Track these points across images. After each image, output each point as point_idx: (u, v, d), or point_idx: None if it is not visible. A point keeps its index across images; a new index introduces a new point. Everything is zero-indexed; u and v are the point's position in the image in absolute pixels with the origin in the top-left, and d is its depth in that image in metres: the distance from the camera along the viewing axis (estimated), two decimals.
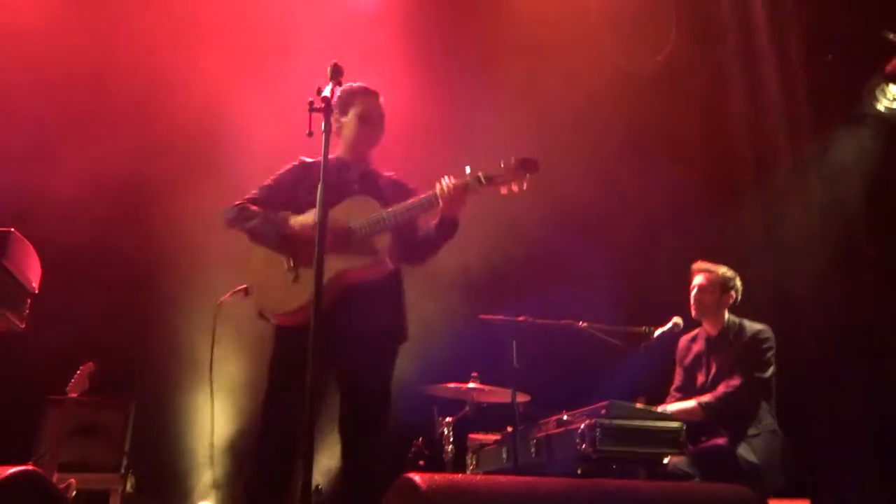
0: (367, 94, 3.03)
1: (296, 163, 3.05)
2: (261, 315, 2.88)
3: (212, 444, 4.67)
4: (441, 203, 2.74)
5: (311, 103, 2.39)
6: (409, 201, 2.80)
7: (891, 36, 3.63)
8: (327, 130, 2.38)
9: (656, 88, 5.42)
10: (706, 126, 4.94)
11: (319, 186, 2.31)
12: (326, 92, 2.40)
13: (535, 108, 5.26)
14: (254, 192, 2.98)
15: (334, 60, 2.50)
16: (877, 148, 3.76)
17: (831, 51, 4.03)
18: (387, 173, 3.08)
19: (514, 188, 2.69)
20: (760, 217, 4.19)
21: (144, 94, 5.17)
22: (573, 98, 5.23)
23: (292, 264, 2.80)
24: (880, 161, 3.73)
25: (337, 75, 2.48)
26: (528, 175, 2.68)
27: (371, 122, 3.01)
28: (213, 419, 4.24)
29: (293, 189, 2.94)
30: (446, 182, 2.74)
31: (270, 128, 4.65)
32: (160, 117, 5.13)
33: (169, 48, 5.16)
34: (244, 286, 2.97)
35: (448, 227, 2.83)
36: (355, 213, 2.80)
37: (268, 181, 3.01)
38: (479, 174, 2.73)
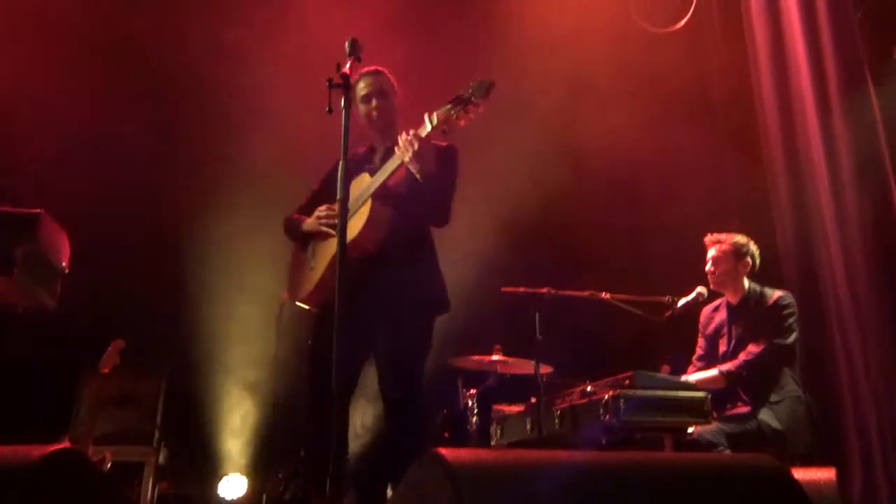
0: (361, 76, 3.02)
1: (333, 164, 3.10)
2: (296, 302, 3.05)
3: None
4: (407, 161, 2.69)
5: (331, 80, 2.40)
6: (384, 167, 2.82)
7: None
8: (347, 107, 2.39)
9: (677, 48, 5.32)
10: (731, 86, 4.85)
11: (340, 163, 2.35)
12: (346, 68, 2.40)
13: (556, 72, 5.20)
14: (305, 198, 3.17)
15: (352, 36, 2.49)
16: None
17: (860, 7, 3.92)
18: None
19: (472, 116, 2.60)
20: (787, 180, 4.11)
21: (176, 69, 5.16)
22: (591, 61, 5.16)
23: (312, 254, 2.99)
24: None
25: (355, 51, 2.48)
26: (482, 99, 2.57)
27: (364, 101, 3.00)
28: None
29: (331, 187, 3.00)
30: (403, 138, 2.72)
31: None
32: (191, 92, 5.14)
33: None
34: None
35: (426, 184, 2.72)
36: (354, 192, 2.87)
37: (315, 185, 3.17)
38: (428, 116, 2.68)
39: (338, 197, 2.33)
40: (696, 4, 5.06)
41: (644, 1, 5.31)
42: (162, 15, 5.20)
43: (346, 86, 2.39)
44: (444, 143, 2.92)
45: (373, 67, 3.03)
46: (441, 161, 2.82)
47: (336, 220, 2.82)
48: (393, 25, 4.97)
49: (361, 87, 3.00)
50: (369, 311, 2.76)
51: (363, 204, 2.77)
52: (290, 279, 3.11)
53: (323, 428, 2.75)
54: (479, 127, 2.74)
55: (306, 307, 3.03)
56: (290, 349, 4.66)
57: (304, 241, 3.06)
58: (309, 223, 3.00)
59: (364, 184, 2.86)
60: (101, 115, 4.99)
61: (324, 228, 2.91)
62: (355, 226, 2.75)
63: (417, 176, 2.71)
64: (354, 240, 2.72)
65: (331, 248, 2.85)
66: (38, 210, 2.89)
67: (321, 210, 2.95)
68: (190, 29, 5.10)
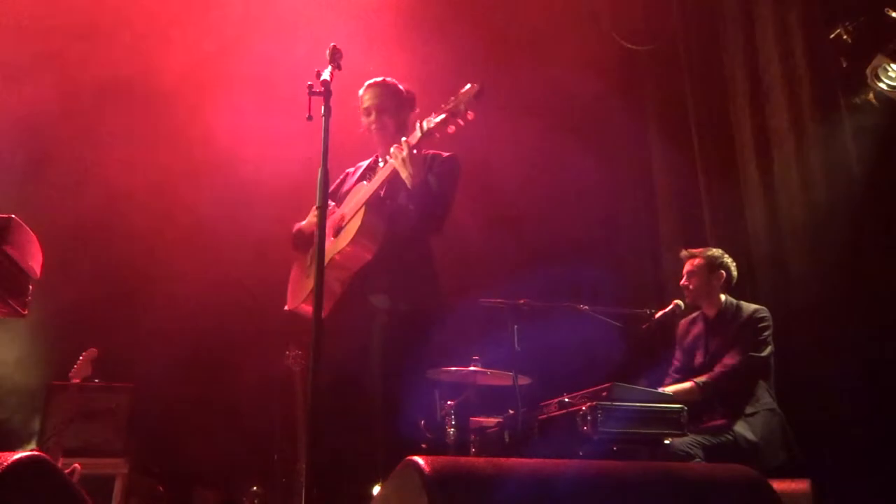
0: (366, 87, 3.04)
1: (341, 176, 3.18)
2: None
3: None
4: (397, 166, 2.71)
5: (311, 87, 2.38)
6: (377, 176, 2.83)
7: (893, 14, 3.60)
8: (327, 115, 2.37)
9: (654, 65, 5.39)
10: (706, 104, 4.93)
11: (320, 171, 2.33)
12: (326, 75, 2.39)
13: (533, 85, 5.23)
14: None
15: (333, 43, 2.49)
16: (879, 126, 3.75)
17: (832, 29, 4.00)
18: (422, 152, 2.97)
19: (462, 123, 2.61)
20: (762, 198, 4.17)
21: (152, 80, 5.13)
22: (571, 77, 5.20)
23: (310, 262, 2.96)
24: (882, 139, 3.71)
25: (336, 58, 2.47)
26: (472, 105, 2.58)
27: (365, 114, 3.03)
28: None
29: (339, 198, 3.06)
30: (394, 148, 2.74)
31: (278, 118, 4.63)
32: (163, 107, 5.11)
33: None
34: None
35: (416, 192, 2.73)
36: (351, 201, 2.89)
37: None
38: (419, 123, 2.69)
39: (317, 204, 2.30)
40: (672, 23, 5.14)
41: (620, 18, 5.39)
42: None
43: (327, 93, 2.38)
44: (446, 154, 2.93)
45: (378, 79, 3.03)
46: (439, 170, 2.83)
47: (342, 226, 2.85)
48: (381, 35, 5.00)
49: (364, 99, 3.02)
50: (365, 317, 2.77)
51: (357, 211, 2.77)
52: (289, 290, 3.09)
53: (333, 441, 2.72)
54: (464, 136, 2.74)
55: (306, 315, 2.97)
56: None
57: (305, 248, 3.04)
58: (304, 224, 3.02)
59: (361, 192, 2.87)
60: (76, 122, 4.94)
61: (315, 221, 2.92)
62: (349, 232, 2.75)
63: (407, 182, 2.71)
64: (348, 246, 2.72)
65: (327, 251, 2.81)
66: (9, 215, 2.83)
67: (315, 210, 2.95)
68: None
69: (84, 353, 4.20)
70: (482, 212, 5.12)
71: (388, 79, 3.06)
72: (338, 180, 3.18)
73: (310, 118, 2.66)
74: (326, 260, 2.75)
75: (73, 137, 4.98)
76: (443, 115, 2.63)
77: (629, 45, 5.27)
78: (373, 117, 2.99)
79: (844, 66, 3.91)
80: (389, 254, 2.75)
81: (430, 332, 2.80)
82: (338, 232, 2.85)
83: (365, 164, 3.13)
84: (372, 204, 2.76)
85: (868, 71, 3.69)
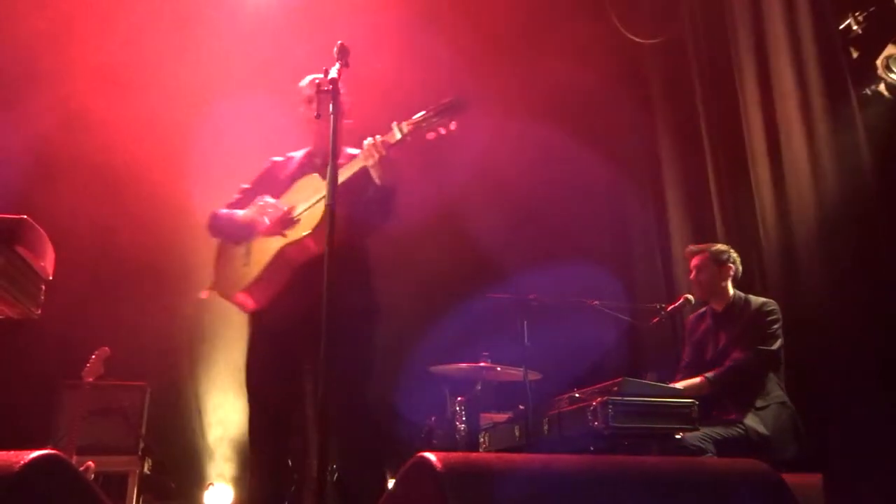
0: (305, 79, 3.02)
1: (268, 164, 3.14)
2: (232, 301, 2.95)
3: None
4: (370, 165, 2.67)
5: (319, 85, 2.39)
6: (344, 168, 2.77)
7: None
8: (336, 112, 2.37)
9: (661, 58, 5.36)
10: (715, 98, 4.90)
11: (329, 166, 2.32)
12: (333, 73, 2.39)
13: (540, 81, 5.23)
14: (235, 195, 3.09)
15: (340, 41, 2.49)
16: (890, 117, 3.72)
17: (842, 19, 3.97)
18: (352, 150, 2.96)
19: (442, 131, 2.59)
20: (772, 191, 4.15)
21: (149, 78, 5.15)
22: (577, 72, 5.19)
23: (246, 251, 2.90)
24: (894, 130, 3.69)
25: (343, 56, 2.47)
26: (455, 115, 2.57)
27: (306, 101, 2.96)
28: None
29: (267, 187, 2.99)
30: (368, 142, 2.70)
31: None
32: (164, 103, 5.13)
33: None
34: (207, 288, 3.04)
35: (382, 192, 2.71)
36: (302, 192, 2.84)
37: (246, 184, 3.10)
38: (397, 125, 2.67)
39: (326, 202, 2.30)
40: (679, 16, 5.11)
41: (628, 11, 5.36)
42: None
43: (335, 91, 2.38)
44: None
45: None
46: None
47: (291, 217, 2.78)
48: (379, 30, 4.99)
49: (305, 89, 2.98)
50: (313, 316, 2.73)
51: (317, 203, 2.72)
52: (216, 274, 3.01)
53: (277, 454, 2.77)
54: (471, 134, 2.74)
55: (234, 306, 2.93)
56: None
57: (231, 236, 2.97)
58: (248, 215, 2.88)
59: (315, 184, 2.81)
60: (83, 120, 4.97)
61: (266, 220, 2.80)
62: (305, 225, 2.72)
63: (377, 181, 2.69)
64: (302, 240, 2.69)
65: (269, 246, 2.78)
66: (21, 216, 2.84)
67: (263, 202, 2.85)
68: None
69: (96, 352, 4.22)
70: (491, 209, 5.12)
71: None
72: (264, 168, 3.13)
73: (318, 116, 2.66)
74: (275, 250, 2.75)
75: (82, 137, 5.01)
76: (423, 122, 2.60)
77: (636, 39, 5.25)
78: (314, 105, 2.95)
79: (854, 56, 3.88)
80: (344, 249, 2.66)
81: (378, 329, 2.83)
82: (287, 223, 2.79)
83: (299, 154, 3.08)
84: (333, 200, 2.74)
85: (878, 62, 3.67)
